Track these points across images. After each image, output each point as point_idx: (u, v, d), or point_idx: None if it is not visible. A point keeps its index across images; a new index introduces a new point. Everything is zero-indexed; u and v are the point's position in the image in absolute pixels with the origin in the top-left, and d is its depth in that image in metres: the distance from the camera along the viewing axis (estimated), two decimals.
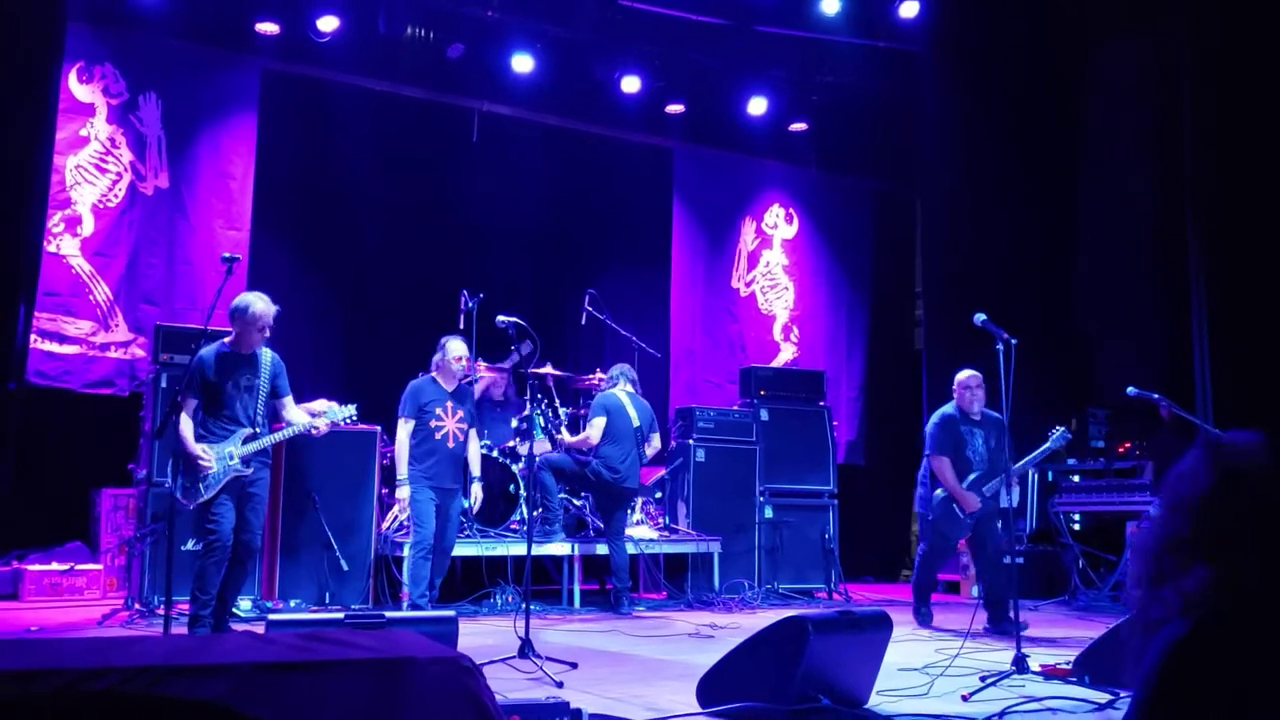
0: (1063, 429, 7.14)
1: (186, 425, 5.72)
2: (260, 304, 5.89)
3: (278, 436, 5.99)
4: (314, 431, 6.14)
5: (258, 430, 5.84)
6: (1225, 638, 1.64)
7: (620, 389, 8.16)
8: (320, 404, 6.71)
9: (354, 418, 6.40)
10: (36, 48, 7.06)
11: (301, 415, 6.14)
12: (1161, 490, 1.87)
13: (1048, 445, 7.09)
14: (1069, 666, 5.10)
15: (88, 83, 8.37)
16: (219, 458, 5.71)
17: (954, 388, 7.35)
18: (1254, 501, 1.71)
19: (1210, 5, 8.52)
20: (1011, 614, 6.68)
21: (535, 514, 7.82)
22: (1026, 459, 7.17)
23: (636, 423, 8.07)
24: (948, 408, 7.35)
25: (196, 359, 5.83)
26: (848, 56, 10.52)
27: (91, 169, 8.35)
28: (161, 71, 8.64)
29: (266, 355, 5.98)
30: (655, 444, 8.27)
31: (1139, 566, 1.83)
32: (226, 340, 5.93)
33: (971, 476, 7.14)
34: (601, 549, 8.10)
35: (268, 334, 5.92)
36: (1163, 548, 1.79)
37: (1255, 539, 1.68)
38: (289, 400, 6.06)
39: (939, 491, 7.20)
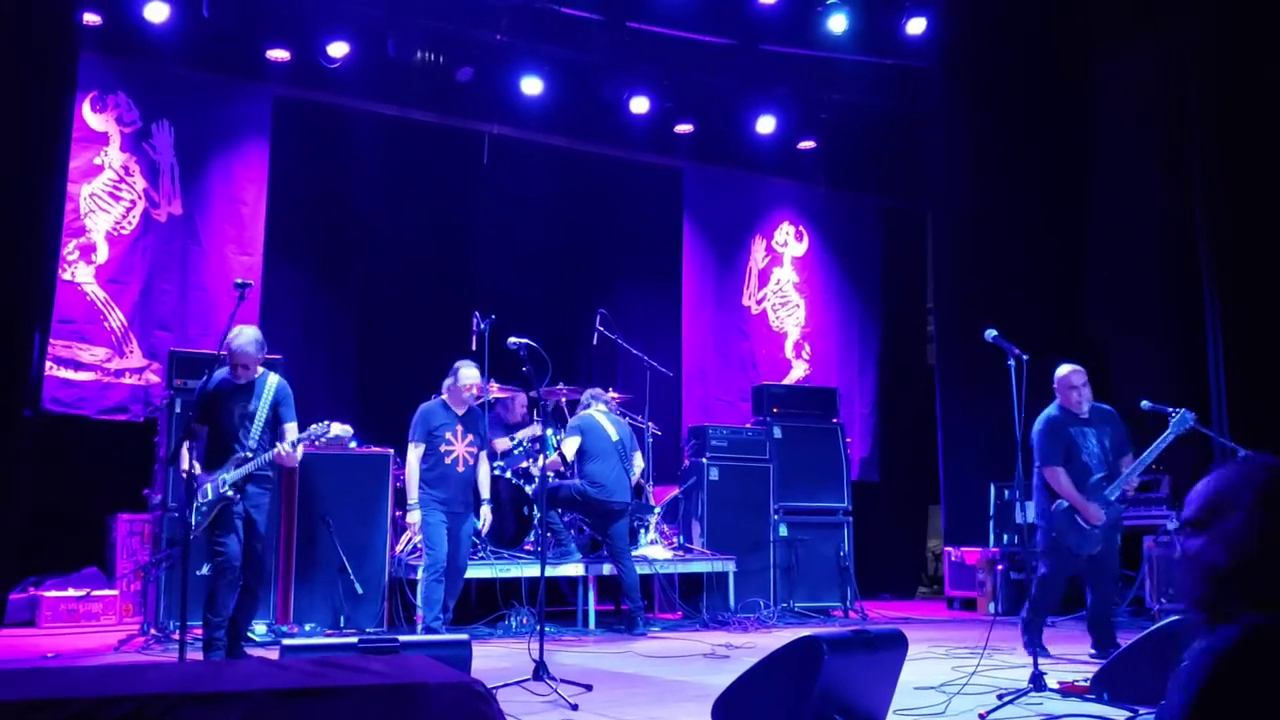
0: (1183, 410, 6.37)
1: (185, 453, 5.67)
2: (239, 340, 5.83)
3: (260, 460, 5.85)
4: (281, 456, 5.85)
5: (249, 456, 5.80)
6: (1267, 661, 1.63)
7: (595, 410, 8.17)
8: (336, 428, 6.65)
9: (325, 435, 6.00)
10: (50, 78, 7.13)
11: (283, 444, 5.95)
12: (1195, 514, 1.85)
13: (1170, 431, 6.33)
14: (1087, 683, 5.07)
15: (101, 112, 8.45)
16: (213, 485, 5.71)
17: (1055, 386, 6.66)
18: None
19: (1215, 10, 8.53)
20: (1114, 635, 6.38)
21: (548, 535, 7.81)
22: (1149, 451, 6.40)
23: (615, 437, 8.06)
24: (1051, 409, 6.64)
25: (198, 389, 5.85)
26: (855, 74, 10.55)
27: (105, 197, 8.42)
28: (174, 99, 8.73)
29: (271, 382, 5.93)
30: (639, 462, 8.27)
31: (1187, 591, 1.83)
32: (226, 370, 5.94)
33: (1094, 479, 6.47)
34: (611, 569, 8.08)
35: (237, 369, 5.83)
36: (1203, 575, 1.79)
37: None
38: (289, 428, 5.93)
39: (1060, 503, 6.46)
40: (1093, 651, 6.54)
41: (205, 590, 5.81)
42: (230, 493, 5.73)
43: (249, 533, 5.80)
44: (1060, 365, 6.74)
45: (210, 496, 5.69)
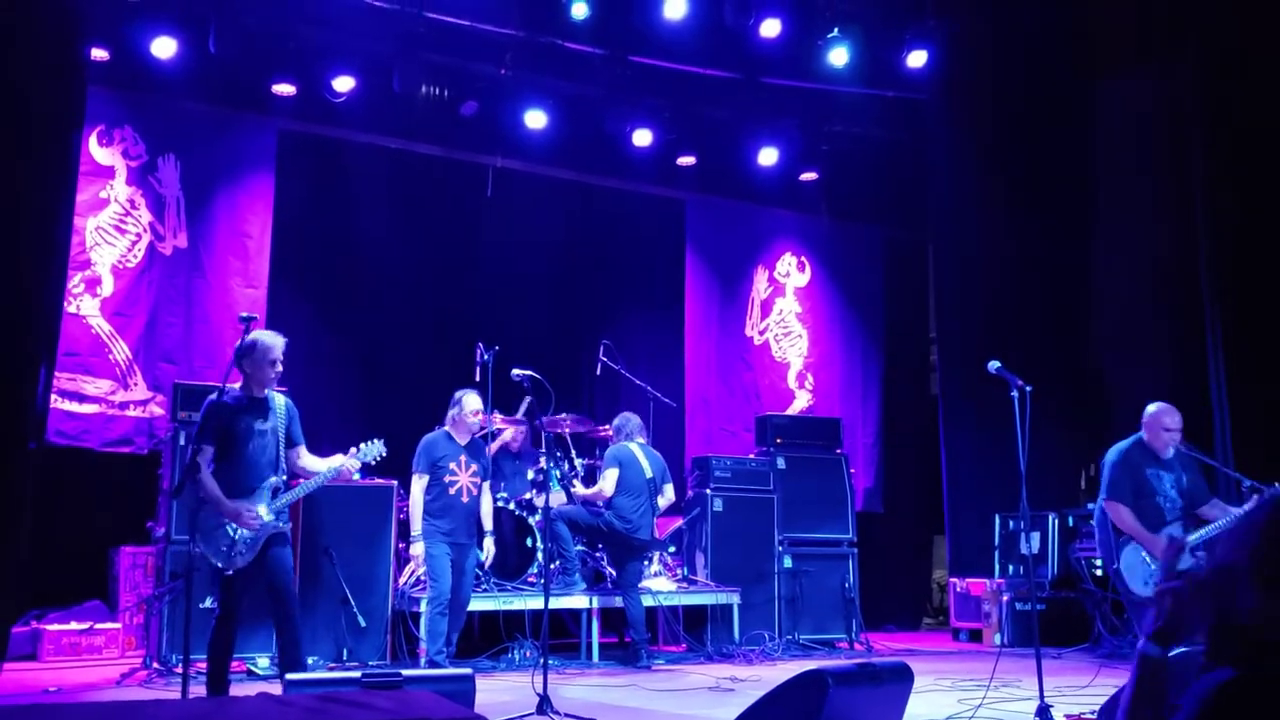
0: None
1: (210, 480, 5.39)
2: (267, 336, 5.67)
3: (311, 485, 5.74)
4: (346, 471, 5.79)
5: (280, 480, 5.57)
6: (1262, 702, 1.62)
7: (634, 443, 8.17)
8: (337, 459, 6.60)
9: (383, 454, 6.02)
10: (57, 111, 7.18)
11: (320, 462, 5.82)
12: (1214, 554, 1.86)
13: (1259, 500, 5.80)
14: (1094, 715, 5.03)
15: (108, 145, 8.51)
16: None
17: (1145, 422, 6.36)
18: None
19: (1215, 40, 8.58)
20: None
21: (554, 566, 7.79)
22: (1238, 515, 5.84)
23: (649, 474, 8.07)
24: (1129, 443, 6.35)
25: (210, 403, 5.55)
26: (856, 106, 10.62)
27: (111, 230, 8.47)
28: (180, 133, 8.79)
29: (279, 400, 5.73)
30: (669, 495, 8.26)
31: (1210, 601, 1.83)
32: (236, 386, 5.68)
33: (1168, 524, 6.15)
34: (620, 601, 8.05)
35: (280, 368, 5.66)
36: (1216, 579, 1.80)
37: None
38: (303, 449, 5.75)
39: (1125, 539, 6.18)
40: None
41: (213, 629, 5.49)
42: (275, 521, 5.46)
43: (279, 570, 5.51)
44: (1152, 403, 6.43)
45: (249, 532, 5.40)
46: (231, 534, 5.39)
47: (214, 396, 5.57)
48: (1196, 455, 6.42)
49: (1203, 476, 6.43)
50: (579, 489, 8.26)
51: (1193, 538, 6.09)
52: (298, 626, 5.52)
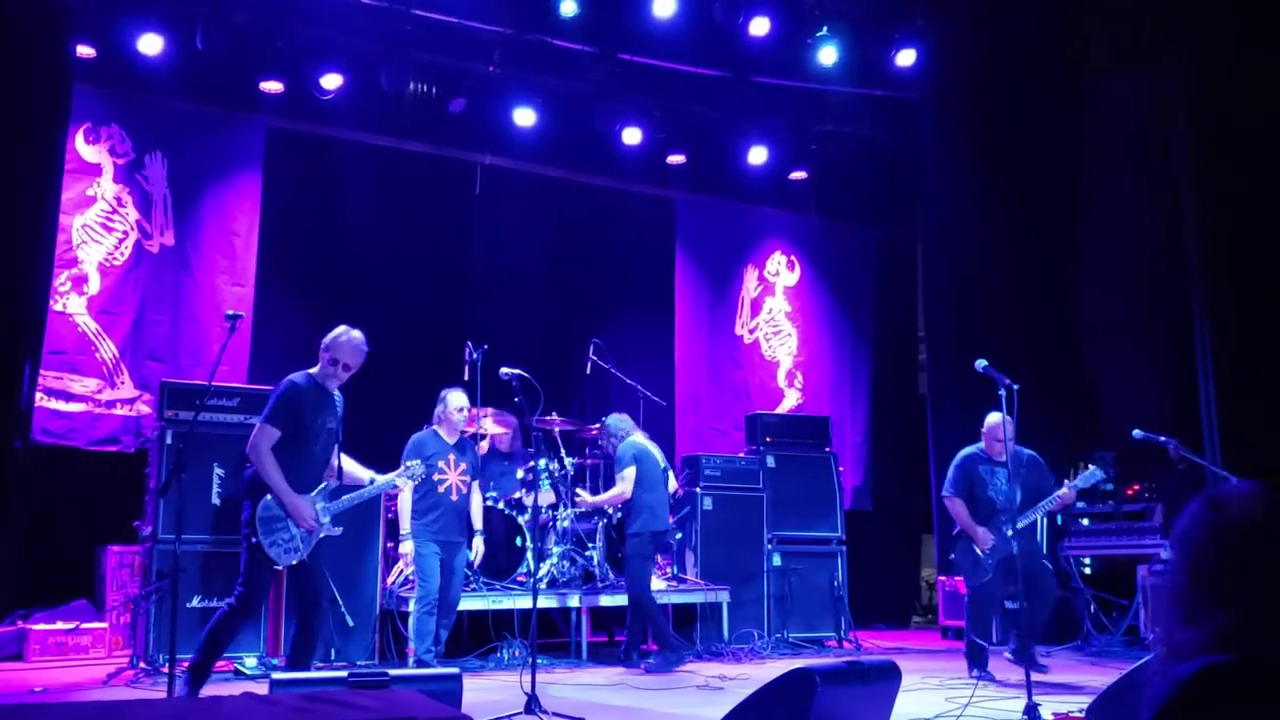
0: (1095, 467, 6.85)
1: (276, 468, 5.17)
2: (340, 333, 5.40)
3: (365, 494, 5.71)
4: (395, 489, 5.92)
5: (331, 482, 5.45)
6: (1220, 698, 1.62)
7: (640, 435, 8.11)
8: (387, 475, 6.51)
9: (424, 474, 6.38)
10: (43, 109, 7.17)
11: (359, 468, 5.80)
12: (1170, 540, 1.87)
13: (1071, 485, 6.81)
14: (1082, 714, 5.04)
15: (94, 143, 8.47)
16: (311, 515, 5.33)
17: (983, 430, 7.18)
18: (1248, 551, 1.69)
19: (1205, 43, 8.61)
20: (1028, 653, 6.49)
21: (649, 660, 7.54)
22: (1047, 500, 6.87)
23: (663, 464, 8.05)
24: (971, 447, 7.21)
25: (290, 383, 5.32)
26: (846, 105, 10.63)
27: (98, 228, 8.43)
28: (167, 131, 8.76)
29: (339, 398, 5.60)
30: (673, 483, 8.25)
31: (1159, 614, 1.84)
32: (312, 371, 5.51)
33: (997, 513, 6.90)
34: (607, 600, 8.03)
35: (340, 371, 5.42)
36: (1167, 597, 1.79)
37: (1249, 589, 1.66)
38: (338, 448, 5.60)
39: (959, 533, 7.07)
40: (1009, 657, 6.89)
41: (224, 617, 5.30)
42: (330, 526, 5.38)
43: (319, 576, 5.43)
44: (991, 413, 6.99)
45: (302, 528, 5.28)
46: (294, 529, 5.27)
47: (296, 377, 5.39)
48: (1033, 454, 7.11)
49: (1039, 478, 7.05)
50: (586, 497, 8.18)
51: (1004, 525, 6.75)
52: (316, 633, 5.49)
